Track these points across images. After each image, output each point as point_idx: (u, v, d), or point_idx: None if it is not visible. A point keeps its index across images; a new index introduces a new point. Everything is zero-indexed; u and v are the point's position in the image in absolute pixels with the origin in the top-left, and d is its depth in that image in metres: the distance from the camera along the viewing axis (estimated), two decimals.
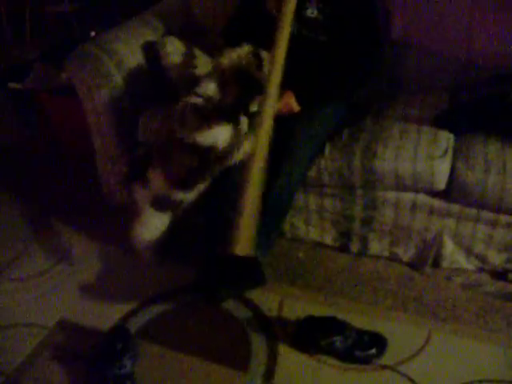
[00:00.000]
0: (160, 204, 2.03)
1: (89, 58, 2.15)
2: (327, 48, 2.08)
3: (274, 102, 1.84)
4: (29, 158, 3.12)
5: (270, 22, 1.90)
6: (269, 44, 1.88)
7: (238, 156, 1.91)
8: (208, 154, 1.88)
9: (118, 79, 2.18)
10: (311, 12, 2.07)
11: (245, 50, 1.88)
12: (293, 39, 1.92)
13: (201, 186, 1.99)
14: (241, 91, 1.83)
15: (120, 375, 1.75)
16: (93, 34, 3.07)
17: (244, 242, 1.80)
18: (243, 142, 1.90)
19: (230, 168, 1.95)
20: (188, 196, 2.00)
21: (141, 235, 2.11)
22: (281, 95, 1.91)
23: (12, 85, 2.91)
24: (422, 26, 2.30)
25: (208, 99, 1.84)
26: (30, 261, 2.34)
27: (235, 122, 1.86)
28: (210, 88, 1.85)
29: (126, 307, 2.07)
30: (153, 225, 2.08)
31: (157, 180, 1.98)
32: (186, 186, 1.97)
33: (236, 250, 1.78)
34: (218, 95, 1.83)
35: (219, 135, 1.85)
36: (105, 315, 2.04)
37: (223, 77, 1.84)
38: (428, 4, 2.30)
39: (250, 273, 1.94)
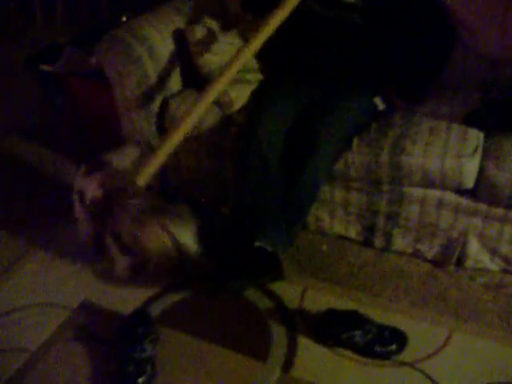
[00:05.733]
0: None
1: (119, 44, 2.16)
2: (364, 30, 2.09)
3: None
4: (54, 141, 3.15)
5: None
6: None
7: None
8: None
9: (148, 66, 2.19)
10: None
11: None
12: (329, 23, 1.92)
13: None
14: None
15: (140, 359, 1.76)
16: (124, 19, 3.07)
17: (145, 177, 1.85)
18: None
19: (252, 159, 1.95)
20: None
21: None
22: None
23: (43, 67, 2.93)
24: (455, 22, 2.27)
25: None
26: (55, 242, 2.36)
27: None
28: None
29: (147, 292, 2.09)
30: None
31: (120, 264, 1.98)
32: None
33: (138, 181, 1.84)
34: None
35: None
36: (126, 299, 2.06)
37: None
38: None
39: (268, 267, 1.94)
